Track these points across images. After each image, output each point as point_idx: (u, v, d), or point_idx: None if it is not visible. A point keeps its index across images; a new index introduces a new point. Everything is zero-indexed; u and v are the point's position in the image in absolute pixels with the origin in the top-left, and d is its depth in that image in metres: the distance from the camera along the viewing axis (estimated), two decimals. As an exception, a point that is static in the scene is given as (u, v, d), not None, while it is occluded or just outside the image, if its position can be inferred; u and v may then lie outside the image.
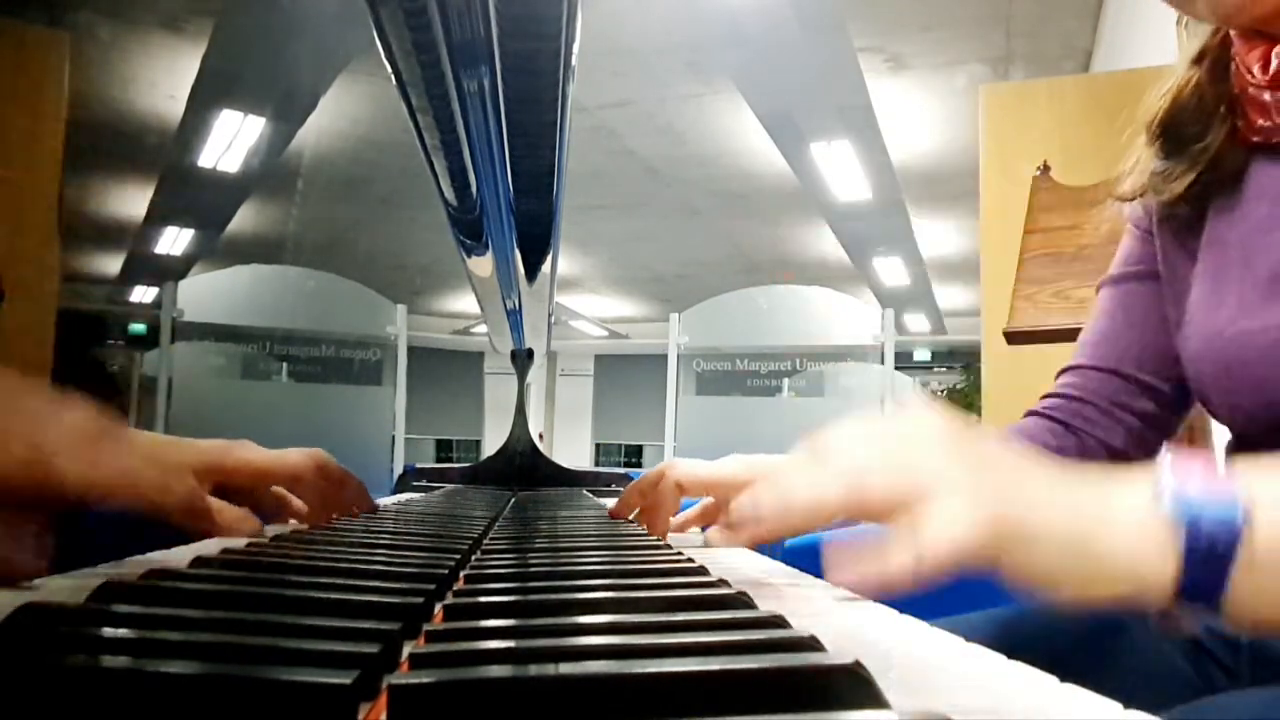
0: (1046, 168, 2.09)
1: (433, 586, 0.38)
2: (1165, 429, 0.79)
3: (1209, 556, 0.35)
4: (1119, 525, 0.36)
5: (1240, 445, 0.69)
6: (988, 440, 0.39)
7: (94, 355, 9.93)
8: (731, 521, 0.47)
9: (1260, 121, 0.66)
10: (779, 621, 0.31)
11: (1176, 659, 0.69)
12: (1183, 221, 0.73)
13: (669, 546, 0.59)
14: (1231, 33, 0.68)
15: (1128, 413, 0.78)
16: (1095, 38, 4.15)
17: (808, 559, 0.53)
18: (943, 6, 4.27)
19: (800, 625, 0.30)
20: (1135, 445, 0.78)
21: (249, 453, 0.65)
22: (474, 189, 0.95)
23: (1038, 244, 1.88)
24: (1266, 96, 0.65)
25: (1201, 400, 0.70)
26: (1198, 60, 0.71)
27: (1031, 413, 0.83)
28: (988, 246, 2.90)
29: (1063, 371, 0.83)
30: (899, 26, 4.47)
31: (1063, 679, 0.28)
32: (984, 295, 2.91)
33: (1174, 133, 0.72)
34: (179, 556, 0.50)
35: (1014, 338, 1.76)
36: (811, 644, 0.27)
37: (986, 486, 0.36)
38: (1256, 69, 0.65)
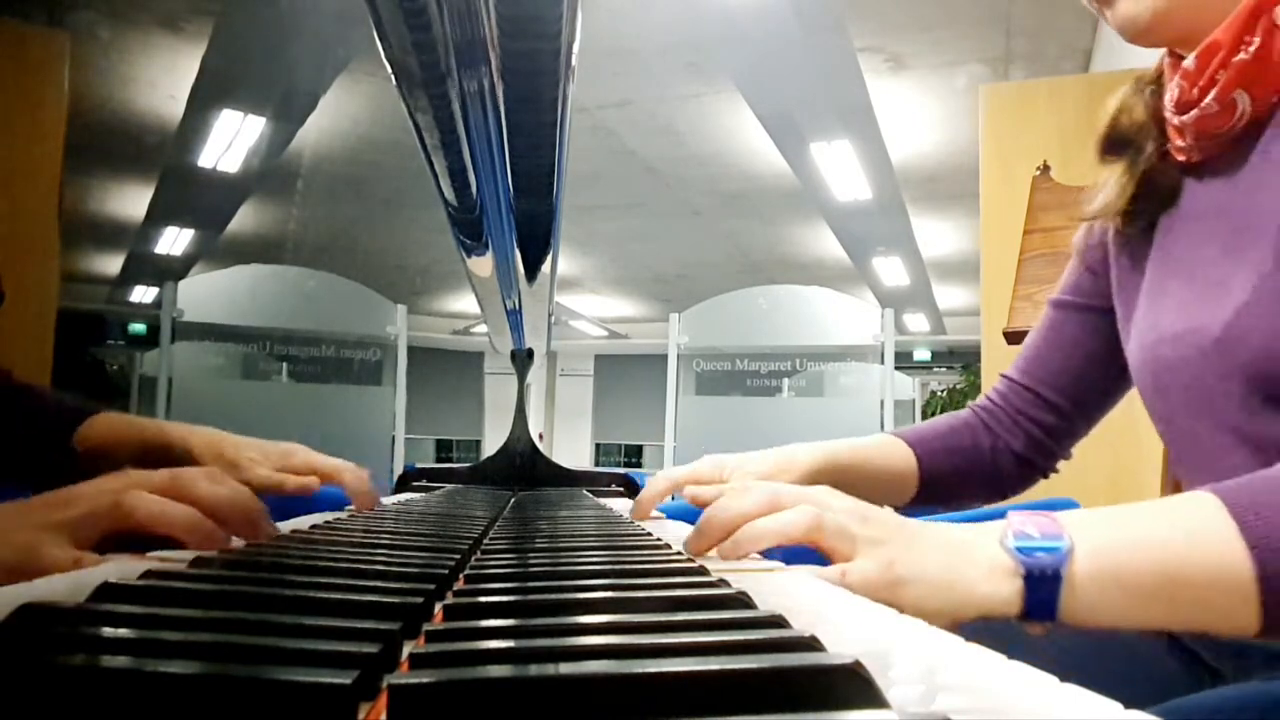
0: (1046, 168, 2.09)
1: (433, 586, 0.38)
2: (1062, 439, 0.92)
3: (1042, 580, 0.47)
4: (976, 565, 0.49)
5: (1175, 459, 0.72)
6: (891, 514, 0.53)
7: (94, 355, 9.93)
8: (705, 524, 0.57)
9: (1178, 142, 0.70)
10: (779, 621, 0.31)
11: (1166, 659, 0.70)
12: (1134, 241, 0.77)
13: (668, 546, 0.59)
14: (1166, 59, 0.70)
15: (1031, 423, 0.91)
16: (1095, 38, 4.15)
17: (805, 560, 0.53)
18: (943, 6, 4.27)
19: (799, 625, 0.30)
20: (1034, 450, 0.92)
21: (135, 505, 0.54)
22: (474, 189, 0.95)
23: (1037, 244, 1.88)
24: (1176, 120, 0.68)
25: (1149, 414, 0.74)
26: (1153, 81, 0.73)
27: (972, 406, 0.97)
28: (988, 246, 2.90)
29: (1002, 376, 0.94)
30: (899, 26, 4.47)
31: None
32: (984, 295, 2.91)
33: (1115, 151, 0.76)
34: (178, 557, 0.50)
35: (1013, 337, 1.76)
36: (811, 644, 0.27)
37: (890, 545, 0.50)
38: (1169, 93, 0.69)
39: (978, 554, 0.49)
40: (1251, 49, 0.61)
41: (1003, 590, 0.48)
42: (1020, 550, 0.48)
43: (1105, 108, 0.77)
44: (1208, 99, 0.64)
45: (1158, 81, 0.73)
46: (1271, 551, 0.45)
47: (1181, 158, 0.71)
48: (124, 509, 0.51)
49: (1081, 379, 0.81)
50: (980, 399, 0.96)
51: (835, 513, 0.52)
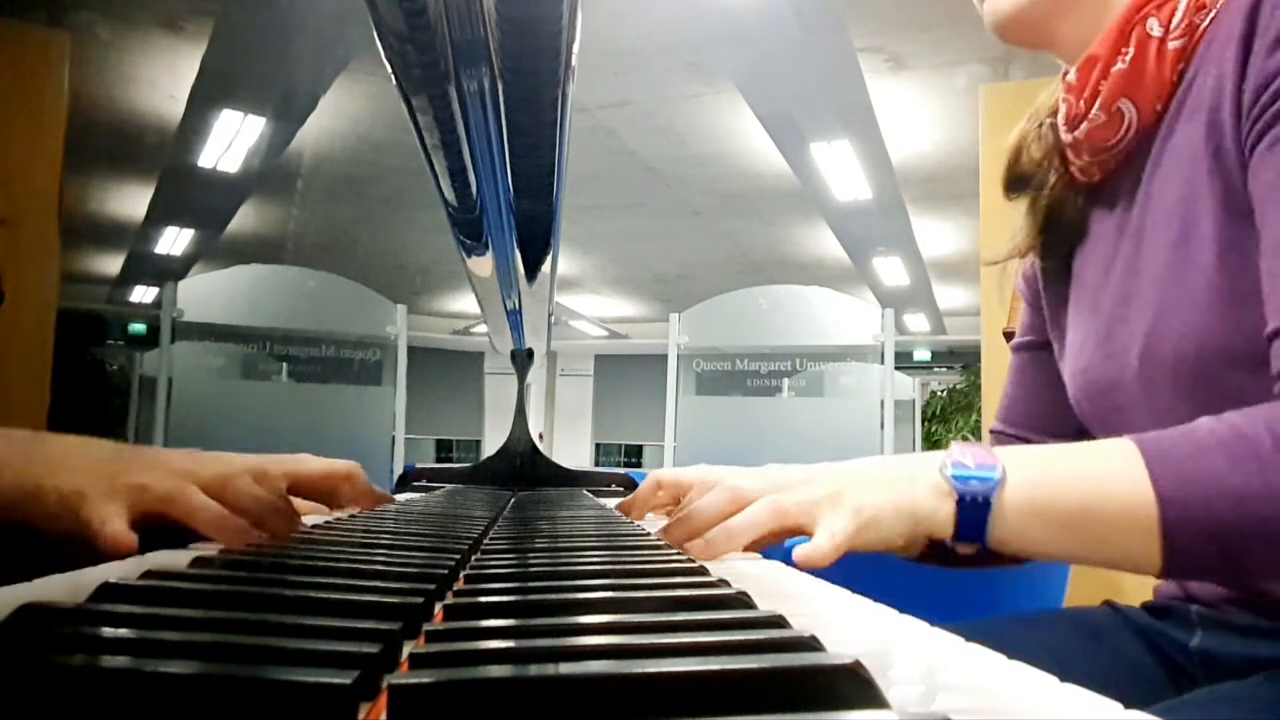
0: (1046, 168, 2.09)
1: (433, 586, 0.38)
2: None
3: (974, 505, 0.51)
4: (919, 492, 0.53)
5: None
6: (836, 465, 0.57)
7: (94, 355, 9.92)
8: (673, 522, 0.60)
9: (1075, 160, 0.71)
10: (779, 621, 0.31)
11: (1149, 662, 0.71)
12: (1057, 274, 0.79)
13: (668, 546, 0.59)
14: (1060, 82, 0.71)
15: None
16: (1095, 38, 4.14)
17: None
18: (943, 6, 4.27)
19: (799, 625, 0.30)
20: None
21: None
22: (474, 189, 0.95)
23: (1038, 244, 1.88)
24: (1069, 137, 0.70)
25: (1094, 437, 0.74)
26: (1052, 113, 0.74)
27: None
28: (988, 247, 2.90)
29: (990, 431, 0.94)
30: (899, 26, 4.47)
31: None
32: (984, 295, 2.91)
33: (1018, 189, 0.78)
34: (178, 557, 0.50)
35: (1013, 338, 1.76)
36: (811, 644, 0.27)
37: (847, 494, 0.54)
38: (1061, 113, 0.70)
39: (921, 480, 0.53)
40: (1128, 59, 0.63)
41: (940, 511, 0.52)
42: (955, 478, 0.52)
43: (1004, 145, 0.78)
44: (1094, 110, 0.66)
45: (1056, 113, 0.73)
46: (1175, 497, 0.48)
47: (1083, 178, 0.72)
48: (178, 499, 0.52)
49: (1062, 417, 0.80)
50: None
51: (789, 490, 0.55)
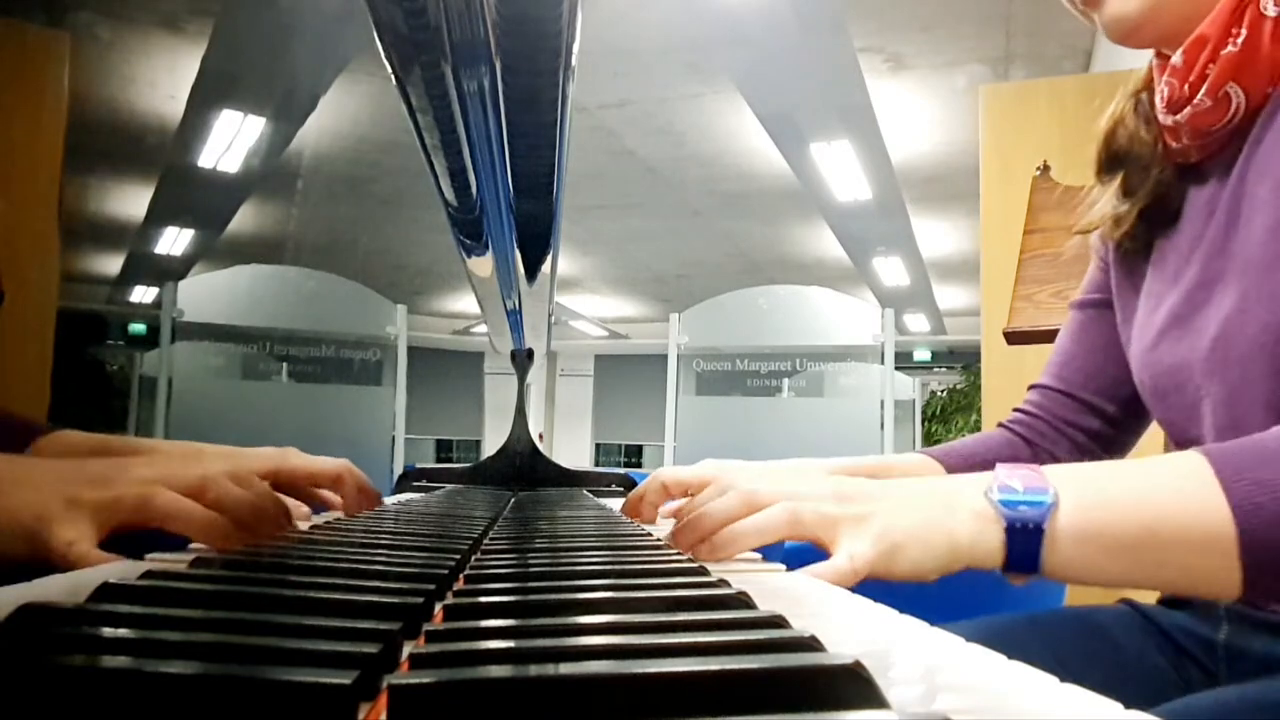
0: (1046, 168, 2.09)
1: (433, 586, 0.38)
2: (1113, 446, 0.86)
3: (1025, 532, 0.47)
4: (960, 518, 0.49)
5: None
6: (867, 484, 0.54)
7: (94, 355, 9.92)
8: (683, 526, 0.58)
9: (1173, 144, 0.68)
10: (779, 621, 0.31)
11: (1158, 660, 0.70)
12: (1134, 248, 0.76)
13: (669, 546, 0.59)
14: (1153, 60, 0.69)
15: (1076, 430, 0.87)
16: (1095, 38, 4.14)
17: (805, 561, 0.53)
18: (943, 6, 4.27)
19: (799, 625, 0.30)
20: (1081, 459, 0.84)
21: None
22: (474, 189, 0.95)
23: (1037, 244, 1.88)
24: (1169, 120, 0.67)
25: (1153, 416, 0.73)
26: (1144, 87, 0.72)
27: (1000, 424, 0.92)
28: (988, 246, 2.90)
29: (1031, 387, 0.90)
30: (899, 26, 4.47)
31: None
32: (984, 295, 2.91)
33: (1118, 165, 0.75)
34: (177, 557, 0.50)
35: (1013, 338, 1.76)
36: (811, 644, 0.27)
37: (875, 517, 0.50)
38: (1159, 94, 0.67)
39: (961, 506, 0.49)
40: (1239, 40, 0.60)
41: (986, 541, 0.48)
42: (1004, 504, 0.48)
43: (1099, 124, 0.75)
44: (1200, 95, 0.63)
45: (1149, 86, 0.71)
46: (1254, 513, 0.44)
47: (1179, 159, 0.70)
48: (151, 505, 0.50)
49: (1120, 380, 0.78)
50: (1011, 415, 0.92)
51: (812, 501, 0.52)
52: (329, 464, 0.77)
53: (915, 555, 0.49)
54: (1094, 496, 0.48)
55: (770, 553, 0.64)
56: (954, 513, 0.49)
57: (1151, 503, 0.47)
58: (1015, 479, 0.49)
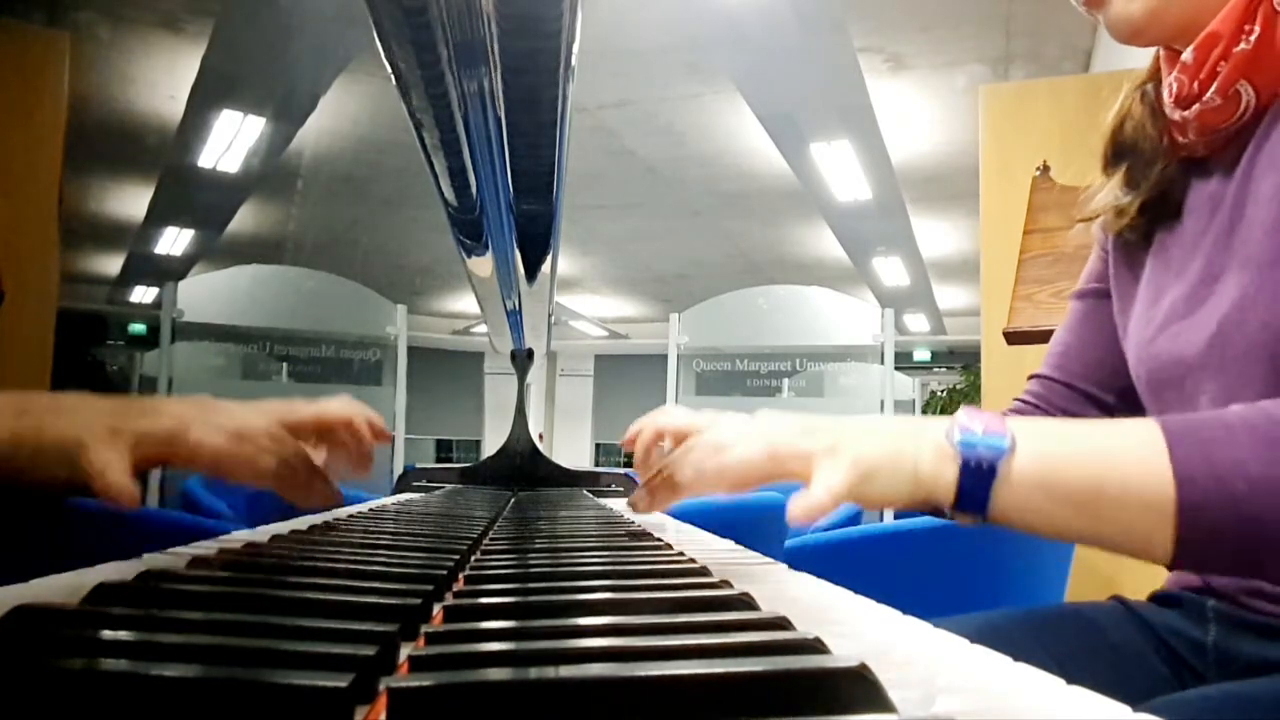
0: (1046, 168, 2.08)
1: (431, 587, 0.38)
2: None
3: (979, 472, 0.49)
4: (924, 453, 0.51)
5: None
6: (835, 418, 0.55)
7: (94, 355, 9.92)
8: (657, 483, 0.59)
9: (1180, 139, 0.68)
10: (782, 623, 0.31)
11: (1151, 658, 0.70)
12: (1132, 240, 0.76)
13: (669, 546, 0.59)
14: (1161, 53, 0.69)
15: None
16: (1095, 38, 4.14)
17: (806, 559, 0.53)
18: (943, 6, 4.27)
19: (802, 626, 0.30)
20: None
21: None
22: (474, 189, 0.95)
23: (1037, 244, 1.88)
24: (1177, 115, 0.67)
25: (1147, 410, 0.73)
26: (1150, 79, 0.72)
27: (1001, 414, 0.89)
28: (988, 246, 2.90)
29: (1031, 377, 0.89)
30: (899, 26, 4.47)
31: None
32: (984, 295, 2.91)
33: (1123, 158, 0.75)
34: (177, 557, 0.50)
35: (1013, 338, 1.76)
36: (815, 646, 0.27)
37: (845, 447, 0.52)
38: (1166, 89, 0.67)
39: (926, 441, 0.51)
40: (1252, 38, 0.60)
41: (942, 476, 0.50)
42: (963, 444, 0.50)
43: (1105, 117, 0.75)
44: (1209, 93, 0.62)
45: (1155, 78, 0.71)
46: (1195, 483, 0.45)
47: (1184, 154, 0.69)
48: (193, 444, 0.51)
49: (1119, 370, 0.77)
50: (1011, 405, 0.91)
51: (784, 437, 0.54)
52: (335, 408, 0.74)
53: (885, 483, 0.51)
54: (1049, 447, 0.50)
55: (770, 552, 0.64)
56: (919, 446, 0.51)
57: (1103, 460, 0.48)
58: (977, 422, 0.51)
